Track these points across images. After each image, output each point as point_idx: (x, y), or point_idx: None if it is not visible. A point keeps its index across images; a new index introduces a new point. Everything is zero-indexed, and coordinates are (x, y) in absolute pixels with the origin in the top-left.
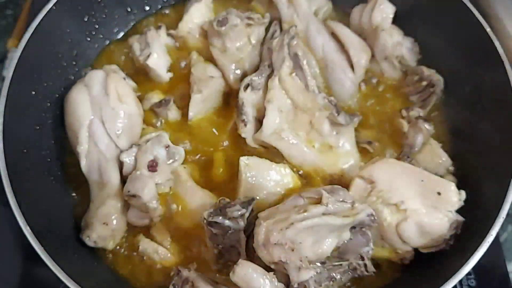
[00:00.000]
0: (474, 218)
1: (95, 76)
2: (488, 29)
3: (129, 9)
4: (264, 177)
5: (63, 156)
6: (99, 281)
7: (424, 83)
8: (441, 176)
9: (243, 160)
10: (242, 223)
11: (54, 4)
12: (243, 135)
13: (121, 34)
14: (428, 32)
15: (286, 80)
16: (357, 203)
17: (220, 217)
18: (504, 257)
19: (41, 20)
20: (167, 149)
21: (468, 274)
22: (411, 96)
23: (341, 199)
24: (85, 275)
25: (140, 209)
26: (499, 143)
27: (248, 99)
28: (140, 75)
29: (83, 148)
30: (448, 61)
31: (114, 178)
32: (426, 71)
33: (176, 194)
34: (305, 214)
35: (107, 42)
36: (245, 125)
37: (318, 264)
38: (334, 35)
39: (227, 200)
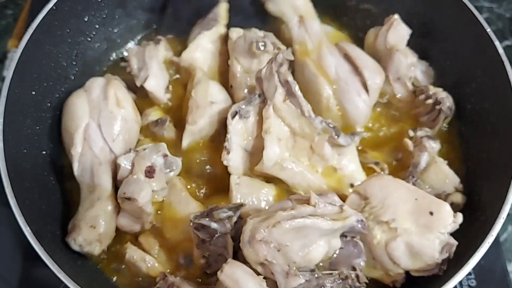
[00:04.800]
0: (474, 219)
1: (96, 82)
2: (489, 29)
3: (129, 10)
4: (256, 196)
5: (63, 156)
6: (99, 281)
7: (430, 101)
8: (448, 195)
9: (234, 179)
10: (228, 225)
11: (54, 4)
12: (224, 163)
13: (121, 34)
14: (425, 36)
15: (281, 108)
16: (345, 206)
17: (207, 219)
18: (504, 257)
19: (41, 20)
20: (165, 158)
21: (468, 274)
22: (421, 118)
23: (329, 201)
24: (85, 275)
25: (133, 213)
26: (499, 144)
27: (235, 127)
28: (139, 90)
29: (77, 150)
30: (446, 62)
31: (105, 181)
32: (432, 89)
33: (169, 202)
34: (292, 212)
35: (107, 42)
36: (227, 152)
37: (307, 272)
38: (346, 57)
39: (215, 205)
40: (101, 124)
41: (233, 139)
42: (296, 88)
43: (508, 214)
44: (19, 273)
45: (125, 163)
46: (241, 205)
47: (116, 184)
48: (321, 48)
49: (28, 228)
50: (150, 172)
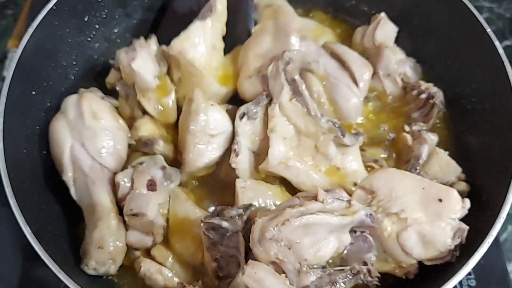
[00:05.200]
0: (474, 219)
1: (70, 101)
2: (489, 29)
3: (129, 10)
4: (262, 199)
5: None
6: (99, 281)
7: (423, 95)
8: (452, 184)
9: (240, 182)
10: (240, 222)
11: (54, 4)
12: (233, 165)
13: (121, 34)
14: (425, 36)
15: (287, 107)
16: (353, 201)
17: (218, 218)
18: (504, 257)
19: (41, 20)
20: (163, 170)
21: (468, 274)
22: (413, 114)
23: (337, 197)
24: (85, 275)
25: (142, 229)
26: (498, 144)
27: (244, 128)
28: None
29: (70, 175)
30: (446, 62)
31: (103, 198)
32: (424, 84)
33: (175, 214)
34: (301, 209)
35: (107, 42)
36: (236, 155)
37: (319, 268)
38: (333, 55)
39: (224, 206)
40: (84, 142)
41: (241, 141)
42: (303, 87)
43: (508, 214)
44: (19, 273)
45: (124, 180)
46: (250, 205)
47: (117, 202)
48: (308, 48)
49: (28, 228)
50: (152, 186)
